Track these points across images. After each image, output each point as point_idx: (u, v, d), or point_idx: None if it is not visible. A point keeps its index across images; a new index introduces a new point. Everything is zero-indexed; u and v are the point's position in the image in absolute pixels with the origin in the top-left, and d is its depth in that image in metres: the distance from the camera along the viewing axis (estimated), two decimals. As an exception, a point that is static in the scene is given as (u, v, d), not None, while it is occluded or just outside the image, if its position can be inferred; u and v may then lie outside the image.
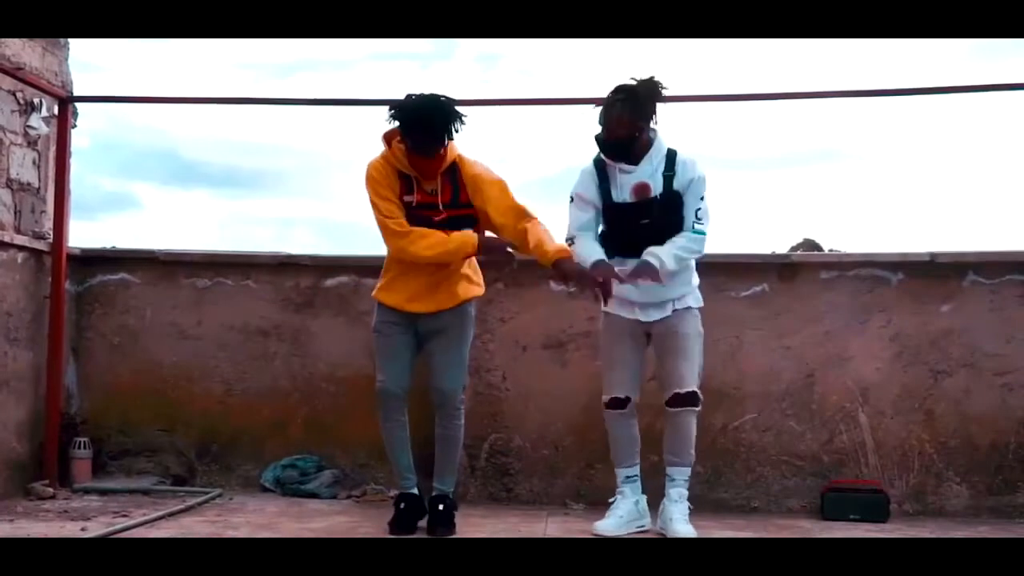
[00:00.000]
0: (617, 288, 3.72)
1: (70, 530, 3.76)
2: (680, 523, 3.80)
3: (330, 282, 4.95)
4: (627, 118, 3.73)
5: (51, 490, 4.49)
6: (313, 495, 4.64)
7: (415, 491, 3.93)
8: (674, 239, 3.76)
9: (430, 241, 3.75)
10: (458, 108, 3.77)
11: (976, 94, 4.65)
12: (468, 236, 3.79)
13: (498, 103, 4.85)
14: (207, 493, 4.59)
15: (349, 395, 4.85)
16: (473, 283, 4.00)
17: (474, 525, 4.03)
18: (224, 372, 4.95)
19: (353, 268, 4.91)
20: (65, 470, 4.69)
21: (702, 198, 3.79)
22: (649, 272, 3.68)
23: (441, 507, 3.86)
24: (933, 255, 4.60)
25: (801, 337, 4.62)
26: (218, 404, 4.94)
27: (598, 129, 3.79)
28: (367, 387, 4.79)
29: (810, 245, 4.84)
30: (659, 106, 3.78)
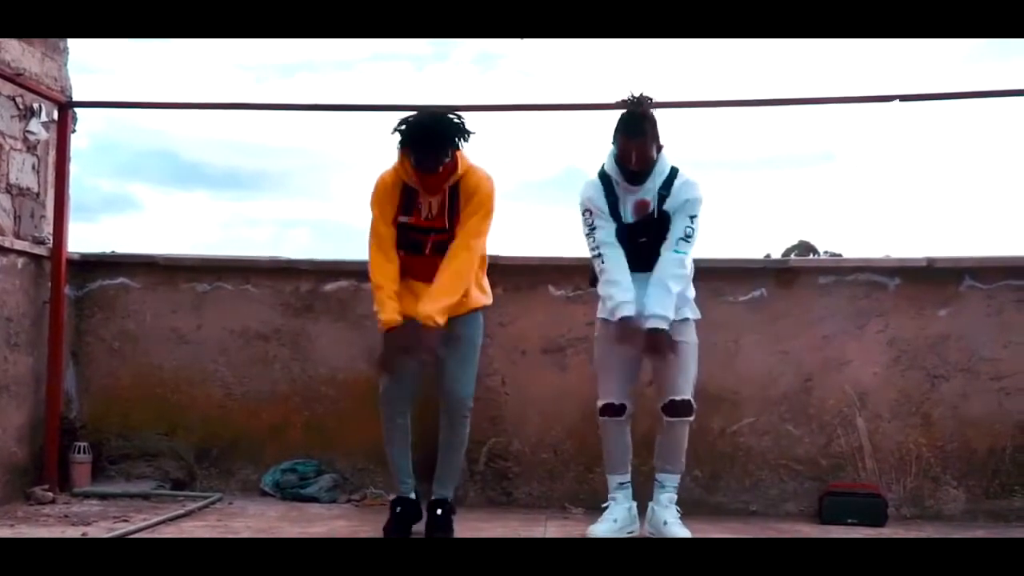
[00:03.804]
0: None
1: (71, 536, 3.76)
2: (675, 525, 3.82)
3: (330, 286, 4.96)
4: (653, 145, 3.74)
5: (51, 495, 4.50)
6: (313, 499, 4.65)
7: (412, 496, 3.94)
8: (660, 276, 3.73)
9: (378, 296, 3.82)
10: (465, 124, 3.76)
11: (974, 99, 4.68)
12: (390, 314, 3.77)
13: (505, 108, 4.72)
14: (207, 497, 4.60)
15: (349, 399, 4.86)
16: (481, 293, 4.01)
17: (473, 529, 4.03)
18: (224, 376, 4.96)
19: (353, 272, 4.92)
20: (65, 474, 4.70)
21: (692, 217, 3.77)
22: (665, 337, 3.70)
23: (439, 511, 3.86)
24: (930, 260, 4.62)
25: (799, 342, 4.64)
26: (218, 408, 4.95)
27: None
28: (367, 391, 4.81)
29: (805, 247, 4.85)
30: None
